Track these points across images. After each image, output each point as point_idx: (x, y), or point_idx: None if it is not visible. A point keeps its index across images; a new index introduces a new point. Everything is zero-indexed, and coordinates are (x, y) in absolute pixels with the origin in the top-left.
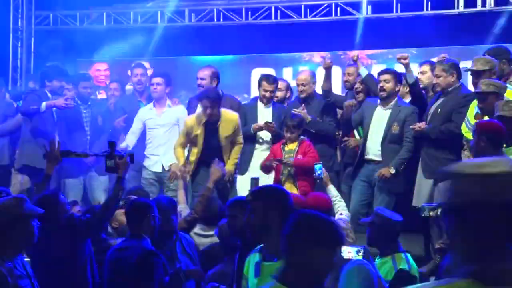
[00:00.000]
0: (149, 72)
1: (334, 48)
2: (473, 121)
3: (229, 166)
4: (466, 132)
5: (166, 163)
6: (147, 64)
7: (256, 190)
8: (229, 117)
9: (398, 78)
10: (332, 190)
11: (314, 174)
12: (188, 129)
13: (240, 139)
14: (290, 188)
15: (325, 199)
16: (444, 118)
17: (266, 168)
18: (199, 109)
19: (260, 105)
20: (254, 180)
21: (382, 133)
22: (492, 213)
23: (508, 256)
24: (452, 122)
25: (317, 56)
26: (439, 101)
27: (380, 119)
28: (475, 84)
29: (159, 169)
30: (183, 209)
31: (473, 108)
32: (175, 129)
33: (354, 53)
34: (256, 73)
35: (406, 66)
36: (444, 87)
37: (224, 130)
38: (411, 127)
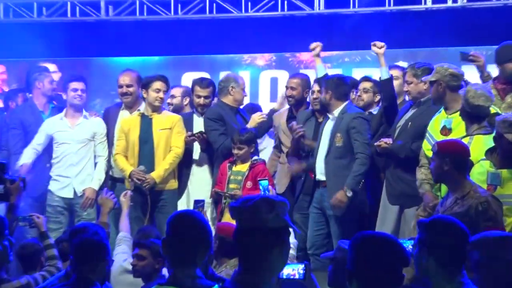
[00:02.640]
0: (56, 76)
1: (281, 49)
2: (438, 137)
3: (155, 172)
4: (428, 150)
5: (78, 187)
6: (52, 67)
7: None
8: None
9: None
10: None
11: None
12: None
13: (179, 146)
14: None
15: None
16: (415, 134)
17: (216, 196)
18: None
19: (196, 114)
20: (198, 204)
21: (325, 147)
22: None
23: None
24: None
25: (260, 59)
26: (410, 112)
27: (326, 131)
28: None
29: (70, 195)
30: (122, 238)
31: (439, 120)
32: (91, 146)
33: (314, 49)
34: (188, 78)
35: (380, 57)
36: (416, 96)
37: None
38: (376, 144)
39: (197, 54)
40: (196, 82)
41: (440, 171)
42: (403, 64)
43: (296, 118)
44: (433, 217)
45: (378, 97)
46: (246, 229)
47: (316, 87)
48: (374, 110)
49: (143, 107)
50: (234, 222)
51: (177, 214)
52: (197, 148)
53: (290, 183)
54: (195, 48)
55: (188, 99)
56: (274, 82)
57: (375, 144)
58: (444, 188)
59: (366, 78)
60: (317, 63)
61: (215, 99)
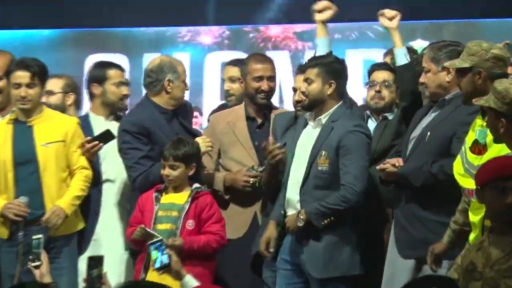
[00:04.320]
0: None
1: (237, 20)
2: (472, 158)
3: (62, 200)
4: (462, 175)
5: None
6: None
7: None
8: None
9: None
10: (191, 282)
11: (153, 266)
12: None
13: (86, 166)
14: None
15: None
16: (438, 149)
17: (134, 243)
18: None
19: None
20: (93, 261)
21: (302, 171)
22: None
23: None
24: (451, 158)
25: (206, 34)
26: (429, 117)
27: (303, 146)
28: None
29: None
30: None
31: (473, 133)
32: None
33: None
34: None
35: (393, 33)
36: (436, 92)
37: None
38: (378, 168)
39: (107, 27)
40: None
41: (497, 206)
42: (422, 43)
43: (273, 122)
44: None
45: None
46: None
47: (299, 81)
48: (391, 114)
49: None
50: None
51: None
52: (110, 168)
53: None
54: (106, 19)
55: (72, 97)
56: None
57: (378, 168)
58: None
59: (386, 66)
60: (319, 33)
61: (142, 98)
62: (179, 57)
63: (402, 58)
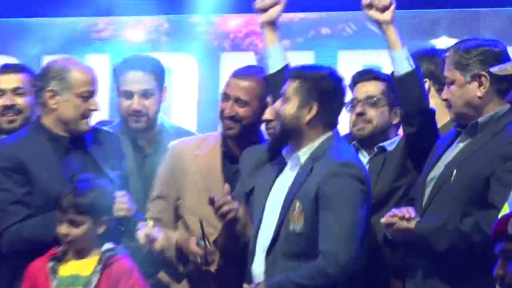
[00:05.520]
0: None
1: (179, 9)
2: None
3: None
4: None
5: None
6: None
7: None
8: None
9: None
10: None
11: None
12: None
13: None
14: None
15: None
16: (469, 196)
17: None
18: None
19: None
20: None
21: (270, 232)
22: None
23: None
24: (490, 210)
25: (135, 28)
26: (455, 148)
27: (279, 193)
28: None
29: None
30: None
31: None
32: None
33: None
34: None
35: (387, 29)
36: (463, 113)
37: None
38: (382, 221)
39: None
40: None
41: None
42: (448, 42)
43: (240, 161)
44: None
45: (397, 116)
46: None
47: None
48: (390, 145)
49: None
50: None
51: None
52: None
53: None
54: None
55: None
56: (167, 74)
57: (382, 222)
58: None
59: (372, 74)
60: (269, 40)
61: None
62: (95, 61)
63: (403, 64)
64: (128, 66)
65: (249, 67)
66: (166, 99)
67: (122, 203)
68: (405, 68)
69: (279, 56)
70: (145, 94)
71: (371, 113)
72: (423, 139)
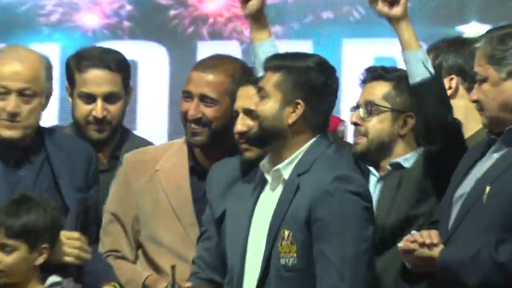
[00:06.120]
0: None
1: None
2: None
3: None
4: None
5: None
6: None
7: None
8: None
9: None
10: None
11: None
12: None
13: None
14: None
15: None
16: (506, 218)
17: None
18: None
19: None
20: None
21: (257, 266)
22: None
23: None
24: None
25: (94, 13)
26: (488, 161)
27: (262, 218)
28: None
29: None
30: None
31: None
32: None
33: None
34: None
35: (400, 27)
36: (497, 117)
37: None
38: (400, 247)
39: None
40: None
41: None
42: (479, 29)
43: (208, 179)
44: None
45: (407, 126)
46: None
47: (245, 96)
48: (405, 159)
49: None
50: None
51: None
52: None
53: None
54: None
55: None
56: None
57: (400, 248)
58: None
59: (376, 72)
60: (254, 37)
61: None
62: (42, 51)
63: (418, 68)
64: (89, 62)
65: (215, 56)
66: (129, 101)
67: (72, 245)
68: (421, 74)
69: (275, 51)
70: (110, 98)
71: (367, 123)
72: (446, 158)
